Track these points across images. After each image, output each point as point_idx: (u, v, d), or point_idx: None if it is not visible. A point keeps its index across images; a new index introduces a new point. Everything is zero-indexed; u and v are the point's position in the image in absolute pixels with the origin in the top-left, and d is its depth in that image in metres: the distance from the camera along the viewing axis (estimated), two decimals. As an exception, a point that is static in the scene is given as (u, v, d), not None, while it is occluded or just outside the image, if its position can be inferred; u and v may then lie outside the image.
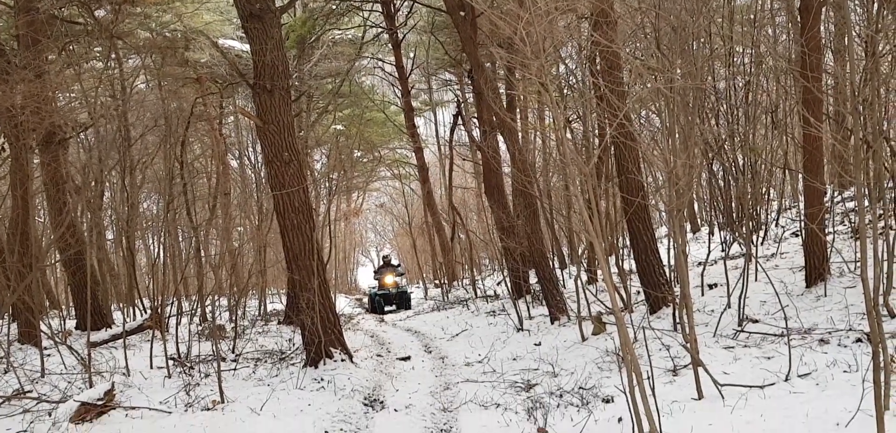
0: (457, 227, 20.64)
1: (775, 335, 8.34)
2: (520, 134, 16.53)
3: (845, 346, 7.26)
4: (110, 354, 10.65)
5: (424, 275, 29.68)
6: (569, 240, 17.20)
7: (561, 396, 7.09)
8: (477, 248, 21.53)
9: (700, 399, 6.17)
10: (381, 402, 7.75)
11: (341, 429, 6.55)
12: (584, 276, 13.52)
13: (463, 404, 7.23)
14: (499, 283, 20.64)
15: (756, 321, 9.33)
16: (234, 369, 9.51)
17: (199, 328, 13.38)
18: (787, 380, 6.31)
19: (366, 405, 7.60)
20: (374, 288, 21.38)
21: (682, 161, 9.14)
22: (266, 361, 10.24)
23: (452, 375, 9.24)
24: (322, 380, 8.50)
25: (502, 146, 15.61)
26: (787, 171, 18.60)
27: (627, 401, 4.87)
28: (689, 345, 7.22)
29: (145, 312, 16.25)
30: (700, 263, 13.84)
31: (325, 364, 8.98)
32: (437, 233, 23.44)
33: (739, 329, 8.91)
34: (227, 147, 21.06)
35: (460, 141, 24.34)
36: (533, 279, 15.51)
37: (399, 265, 22.66)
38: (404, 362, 10.55)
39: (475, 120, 19.53)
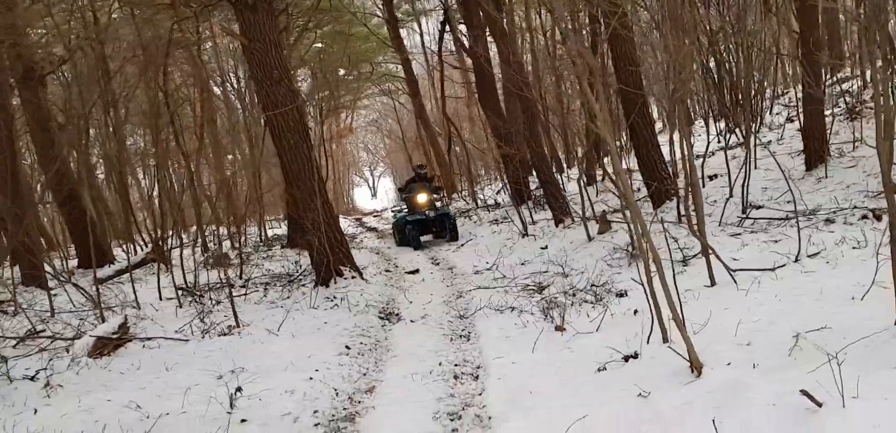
0: (452, 138, 20.15)
1: (780, 219, 8.38)
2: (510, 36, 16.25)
3: (851, 224, 7.30)
4: (117, 290, 10.62)
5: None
6: (565, 143, 17.14)
7: (574, 295, 7.12)
8: (474, 158, 21.30)
9: (712, 286, 6.21)
10: (397, 315, 7.78)
11: (361, 343, 6.56)
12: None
13: (478, 310, 7.25)
14: (498, 192, 20.63)
15: (760, 207, 9.36)
16: (245, 295, 9.50)
17: (203, 258, 13.37)
18: (797, 260, 6.34)
19: (382, 318, 7.62)
20: (400, 211, 16.15)
21: (682, 48, 9.03)
22: (275, 285, 10.24)
23: (463, 284, 9.27)
24: (335, 298, 8.50)
25: (493, 50, 15.37)
26: (779, 57, 18.48)
27: (649, 292, 4.86)
28: (698, 233, 7.25)
29: (144, 247, 16.21)
30: (699, 155, 13.84)
31: (335, 283, 8.98)
32: (432, 147, 23.24)
33: (744, 216, 8.94)
34: (209, 73, 20.56)
35: (448, 50, 23.92)
36: (533, 185, 15.50)
37: (433, 178, 16.96)
38: (413, 275, 10.57)
39: (462, 26, 19.18)
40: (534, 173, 14.75)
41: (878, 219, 7.08)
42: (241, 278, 11.19)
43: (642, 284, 5.02)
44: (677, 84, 8.29)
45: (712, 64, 15.07)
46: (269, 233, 20.60)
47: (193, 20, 16.79)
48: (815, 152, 10.58)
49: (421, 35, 30.10)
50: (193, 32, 17.51)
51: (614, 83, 10.50)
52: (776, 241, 7.26)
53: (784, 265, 6.24)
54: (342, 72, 25.26)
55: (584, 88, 5.14)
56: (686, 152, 7.69)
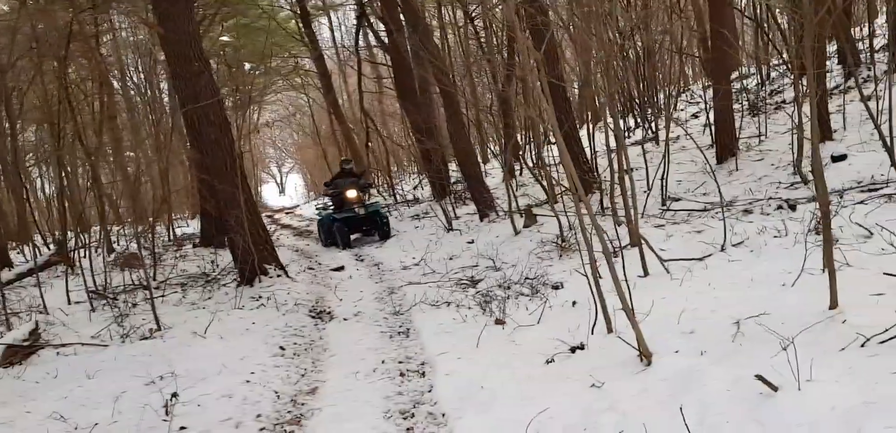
0: (370, 133, 19.83)
1: (700, 210, 8.67)
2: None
3: (768, 214, 7.61)
4: (21, 295, 9.99)
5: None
6: (481, 138, 17.17)
7: (509, 288, 7.14)
8: (393, 154, 21.12)
9: (646, 276, 6.34)
10: (329, 313, 7.61)
11: (295, 343, 6.39)
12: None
13: (413, 306, 7.18)
14: (415, 188, 20.57)
15: (678, 199, 9.67)
16: (162, 296, 9.10)
17: (111, 259, 12.76)
18: (722, 250, 6.56)
19: (313, 317, 7.45)
20: (325, 209, 14.84)
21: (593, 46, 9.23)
22: (192, 285, 9.88)
23: (392, 280, 9.17)
24: (260, 297, 8.26)
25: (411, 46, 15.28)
26: (682, 56, 19.21)
27: (593, 282, 4.92)
28: (628, 224, 7.42)
29: (42, 250, 15.33)
30: (613, 150, 14.20)
31: (260, 281, 8.72)
32: (347, 142, 22.90)
33: (665, 208, 9.21)
34: (108, 68, 19.61)
35: (364, 44, 23.63)
36: (454, 179, 15.53)
37: (362, 174, 15.58)
38: (339, 272, 10.39)
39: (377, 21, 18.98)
40: (454, 167, 14.78)
41: (793, 208, 7.42)
42: (154, 279, 10.73)
43: (587, 276, 5.08)
44: (599, 78, 8.48)
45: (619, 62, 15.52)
46: (177, 232, 19.87)
47: (92, 12, 16.04)
48: (726, 147, 11.02)
49: (331, 29, 29.75)
50: (92, 24, 16.69)
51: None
52: (699, 232, 7.50)
53: (711, 254, 6.45)
54: (248, 66, 24.50)
55: (536, 81, 5.13)
56: (622, 142, 7.84)
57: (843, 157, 8.57)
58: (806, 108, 9.51)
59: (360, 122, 21.97)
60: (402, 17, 13.32)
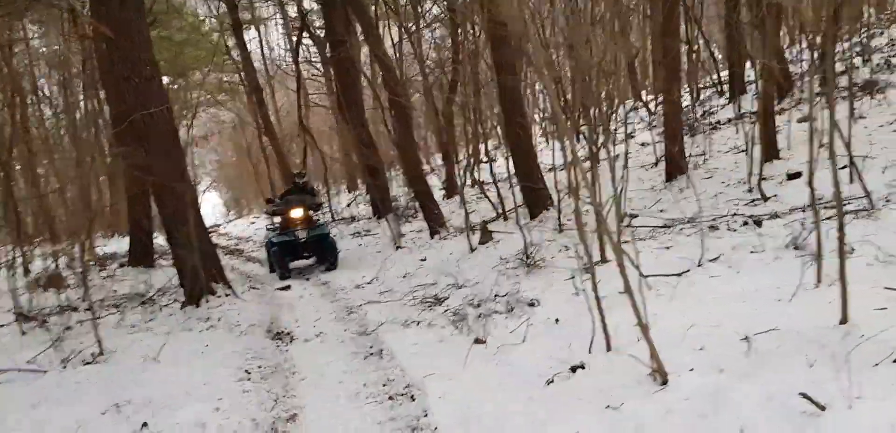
0: (309, 148, 19.25)
1: (661, 226, 8.64)
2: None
3: (734, 230, 7.60)
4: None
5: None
6: (426, 150, 16.88)
7: (478, 306, 6.89)
8: (331, 170, 20.61)
9: (625, 292, 6.18)
10: (288, 334, 7.19)
11: (259, 366, 5.96)
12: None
13: (380, 326, 6.85)
14: (349, 205, 20.13)
15: (636, 216, 9.64)
16: (99, 318, 8.46)
17: (32, 279, 11.92)
18: (699, 265, 6.48)
19: (272, 339, 7.02)
20: (271, 230, 12.69)
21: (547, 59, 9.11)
22: (128, 307, 9.25)
23: (347, 299, 8.81)
24: (209, 318, 7.76)
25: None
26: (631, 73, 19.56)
27: (593, 298, 4.73)
28: (599, 240, 7.30)
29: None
30: (551, 169, 14.23)
31: (207, 301, 8.21)
32: (278, 158, 22.25)
33: (625, 225, 9.14)
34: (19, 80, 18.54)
35: (305, 57, 23.07)
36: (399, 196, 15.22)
37: (312, 188, 13.76)
38: (286, 292, 9.95)
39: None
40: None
41: (759, 224, 7.44)
42: (83, 300, 10.04)
43: (584, 291, 4.89)
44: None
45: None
46: (98, 251, 18.84)
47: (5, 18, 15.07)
48: (675, 165, 11.12)
49: (260, 42, 29.02)
50: (5, 32, 15.68)
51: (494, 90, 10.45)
52: (668, 248, 7.44)
53: (689, 270, 6.36)
54: (167, 80, 23.48)
55: (552, 88, 4.93)
56: (587, 154, 7.72)
57: (798, 175, 8.71)
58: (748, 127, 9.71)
59: (296, 137, 21.42)
60: (357, 26, 12.96)
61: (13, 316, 8.74)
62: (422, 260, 10.24)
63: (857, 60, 14.92)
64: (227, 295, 8.50)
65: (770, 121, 10.35)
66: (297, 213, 11.84)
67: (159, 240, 16.25)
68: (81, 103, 22.62)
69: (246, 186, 35.68)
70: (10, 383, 5.94)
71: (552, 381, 4.45)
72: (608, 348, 4.67)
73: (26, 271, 12.97)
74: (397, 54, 13.43)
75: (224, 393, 5.19)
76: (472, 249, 9.73)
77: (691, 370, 3.98)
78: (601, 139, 12.42)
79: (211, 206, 52.17)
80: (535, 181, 10.28)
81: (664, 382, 3.89)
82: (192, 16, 23.49)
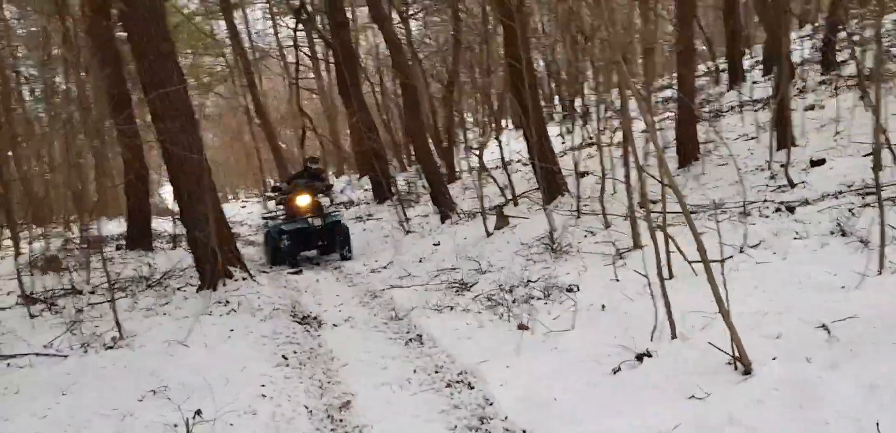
0: (306, 132, 18.88)
1: (691, 212, 8.49)
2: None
3: (767, 217, 7.48)
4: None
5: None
6: (436, 133, 16.53)
7: (511, 291, 6.73)
8: (330, 154, 20.30)
9: (671, 278, 6.05)
10: (315, 318, 6.98)
11: (294, 352, 5.76)
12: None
13: (411, 311, 6.66)
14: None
15: (655, 202, 9.51)
16: (109, 302, 8.21)
17: (29, 261, 11.58)
18: (741, 251, 6.36)
19: (300, 323, 6.80)
20: (274, 218, 11.94)
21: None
22: (135, 290, 9.00)
23: (366, 284, 8.61)
24: (228, 302, 7.52)
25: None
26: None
27: (658, 284, 4.58)
28: (631, 225, 7.17)
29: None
30: (563, 153, 14.09)
31: (224, 285, 7.97)
32: (270, 142, 21.90)
33: (647, 211, 9.00)
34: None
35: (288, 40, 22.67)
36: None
37: (324, 174, 12.98)
38: (297, 276, 9.71)
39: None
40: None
41: (792, 211, 7.35)
42: (88, 283, 9.77)
43: (650, 281, 4.73)
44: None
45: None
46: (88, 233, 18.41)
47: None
48: (689, 152, 11.02)
49: (246, 25, 28.55)
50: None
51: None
52: (702, 233, 7.29)
53: (731, 256, 6.23)
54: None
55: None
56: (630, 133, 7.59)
57: (822, 162, 8.63)
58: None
59: (285, 122, 21.14)
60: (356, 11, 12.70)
61: (16, 299, 8.48)
62: (435, 244, 10.05)
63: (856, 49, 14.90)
64: (244, 279, 8.26)
65: (786, 108, 10.26)
66: (303, 199, 11.02)
67: (155, 223, 15.99)
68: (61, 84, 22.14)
69: (233, 171, 35.19)
70: (30, 368, 5.71)
71: (619, 370, 4.30)
72: (673, 336, 4.52)
73: (17, 254, 12.63)
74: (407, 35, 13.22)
75: (264, 378, 5.01)
76: (488, 234, 9.55)
77: (774, 359, 3.84)
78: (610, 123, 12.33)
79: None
80: (551, 165, 10.09)
81: (747, 372, 3.76)
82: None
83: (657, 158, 4.58)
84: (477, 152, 11.53)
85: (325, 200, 11.72)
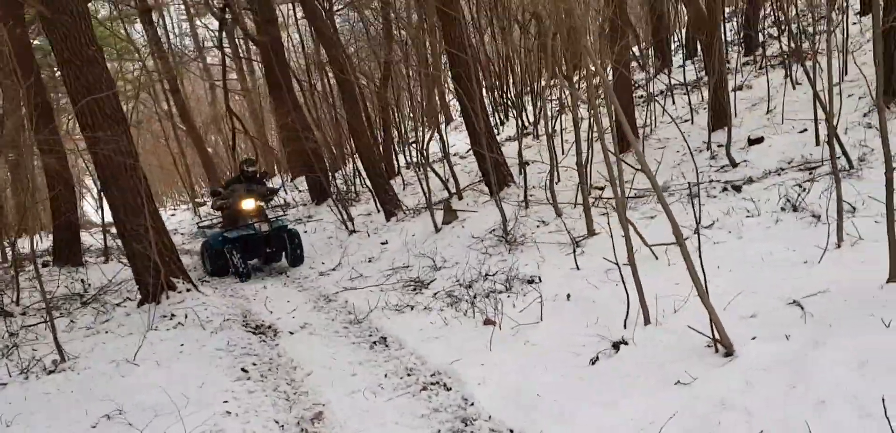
0: (237, 134, 18.25)
1: (634, 196, 8.57)
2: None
3: (715, 197, 7.59)
4: None
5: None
6: (389, 123, 16.19)
7: (470, 286, 6.65)
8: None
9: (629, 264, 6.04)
10: (270, 327, 6.73)
11: (253, 364, 5.52)
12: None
13: (370, 312, 6.50)
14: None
15: (602, 188, 9.57)
16: (44, 321, 7.77)
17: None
18: (696, 232, 6.39)
19: (254, 333, 6.55)
20: (210, 226, 11.76)
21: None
22: (70, 308, 8.55)
23: (318, 287, 8.40)
24: (173, 315, 7.19)
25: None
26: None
27: (631, 270, 4.56)
28: (585, 213, 7.17)
29: None
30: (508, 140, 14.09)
31: (167, 297, 7.61)
32: (197, 146, 21.24)
33: (596, 198, 9.04)
34: None
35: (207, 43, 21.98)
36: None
37: (264, 175, 11.98)
38: (246, 285, 9.38)
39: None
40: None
41: (738, 190, 7.47)
42: (17, 303, 9.23)
43: (621, 266, 4.71)
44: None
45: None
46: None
47: None
48: (627, 136, 11.12)
49: (165, 28, 27.63)
50: None
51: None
52: (652, 217, 7.37)
53: (687, 238, 6.26)
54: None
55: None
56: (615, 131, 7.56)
57: (760, 140, 8.82)
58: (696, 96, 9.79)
59: (211, 126, 20.52)
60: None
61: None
62: (383, 243, 9.87)
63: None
64: (188, 290, 7.91)
65: (721, 89, 10.47)
66: (248, 203, 10.20)
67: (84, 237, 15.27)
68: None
69: (157, 179, 34.01)
70: (-38, 400, 5.31)
71: (597, 360, 4.25)
72: (647, 322, 4.50)
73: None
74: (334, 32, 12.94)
75: (226, 395, 4.77)
76: (437, 229, 9.43)
77: (754, 339, 3.86)
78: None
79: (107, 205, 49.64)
80: (494, 154, 10.02)
81: (728, 354, 3.75)
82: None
83: (607, 143, 4.50)
84: (418, 146, 11.38)
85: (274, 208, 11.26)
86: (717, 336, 3.82)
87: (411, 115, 15.44)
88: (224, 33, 16.30)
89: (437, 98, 15.08)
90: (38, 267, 6.78)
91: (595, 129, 9.22)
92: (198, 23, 26.20)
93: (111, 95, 7.34)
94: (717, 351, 3.83)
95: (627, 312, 4.63)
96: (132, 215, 7.50)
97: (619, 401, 3.65)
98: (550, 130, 10.82)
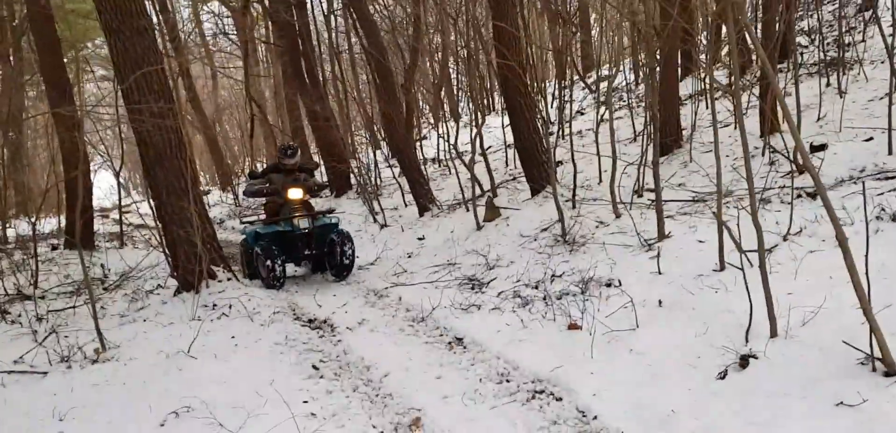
0: (256, 122, 17.74)
1: (694, 200, 8.21)
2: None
3: (787, 203, 7.21)
4: None
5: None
6: (408, 117, 15.77)
7: (536, 287, 6.26)
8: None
9: (722, 270, 5.68)
10: (326, 322, 6.32)
11: (321, 362, 5.13)
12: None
13: (433, 310, 6.10)
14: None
15: (653, 190, 9.20)
16: (73, 308, 7.36)
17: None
18: (785, 239, 6.05)
19: (308, 328, 6.15)
20: (252, 222, 9.42)
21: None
22: (100, 295, 8.16)
23: (364, 282, 7.99)
24: (216, 305, 6.79)
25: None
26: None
27: (762, 277, 4.18)
28: (658, 215, 6.81)
29: None
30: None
31: (208, 287, 7.19)
32: (205, 136, 20.74)
33: (651, 201, 8.65)
34: None
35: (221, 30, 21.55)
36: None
37: (310, 167, 10.18)
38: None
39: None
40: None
41: (813, 197, 7.12)
42: (35, 287, 8.82)
43: (744, 270, 4.32)
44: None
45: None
46: (11, 232, 16.98)
47: None
48: (672, 138, 10.80)
49: (173, 10, 27.11)
50: None
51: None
52: (726, 221, 6.98)
53: (777, 245, 5.92)
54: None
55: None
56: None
57: (823, 147, 8.48)
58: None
59: (224, 113, 20.05)
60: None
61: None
62: (419, 238, 9.49)
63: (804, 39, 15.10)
64: (228, 279, 7.50)
65: (769, 94, 10.15)
66: (294, 193, 8.40)
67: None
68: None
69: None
70: (3, 388, 4.90)
71: (725, 375, 3.87)
72: (773, 334, 4.12)
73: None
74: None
75: (303, 393, 4.38)
76: (479, 227, 9.05)
77: (915, 357, 3.48)
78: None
79: (108, 186, 49.00)
80: (539, 153, 9.64)
81: (889, 373, 3.38)
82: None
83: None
84: (454, 143, 11.00)
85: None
86: (876, 353, 3.44)
87: (443, 107, 15.01)
88: (246, 15, 15.87)
89: (477, 89, 14.66)
90: (81, 250, 6.32)
91: (650, 126, 8.88)
92: (209, 9, 25.78)
93: (160, 70, 6.91)
94: (874, 369, 3.46)
95: (750, 323, 4.24)
96: (176, 198, 7.08)
97: (773, 423, 3.27)
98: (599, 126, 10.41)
